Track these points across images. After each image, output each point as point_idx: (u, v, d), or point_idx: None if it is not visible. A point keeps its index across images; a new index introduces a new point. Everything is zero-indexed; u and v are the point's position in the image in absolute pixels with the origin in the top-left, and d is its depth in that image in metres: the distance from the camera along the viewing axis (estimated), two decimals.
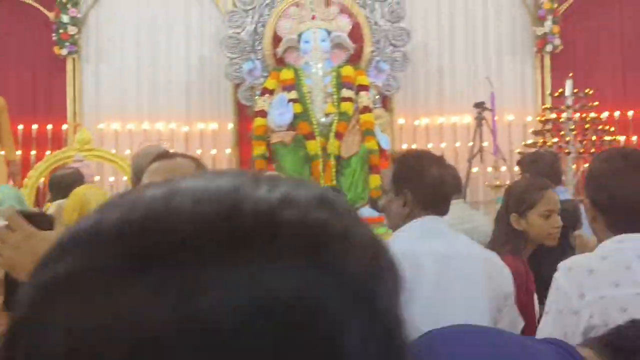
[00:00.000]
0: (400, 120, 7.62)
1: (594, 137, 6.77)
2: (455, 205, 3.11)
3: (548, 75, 7.82)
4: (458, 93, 7.79)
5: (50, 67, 7.49)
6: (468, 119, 7.42)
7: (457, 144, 7.62)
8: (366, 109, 6.68)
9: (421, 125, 7.74)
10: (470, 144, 6.94)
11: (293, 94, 6.63)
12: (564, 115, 6.81)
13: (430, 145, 7.50)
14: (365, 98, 6.72)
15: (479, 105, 6.73)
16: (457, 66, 7.86)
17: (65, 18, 7.31)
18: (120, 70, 7.63)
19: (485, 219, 3.69)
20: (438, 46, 7.89)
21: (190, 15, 7.72)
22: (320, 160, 6.40)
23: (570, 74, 6.85)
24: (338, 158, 6.45)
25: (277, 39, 6.99)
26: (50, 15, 7.32)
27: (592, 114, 6.82)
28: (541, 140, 6.82)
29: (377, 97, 7.02)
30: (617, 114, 7.58)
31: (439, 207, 2.15)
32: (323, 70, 6.69)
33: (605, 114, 7.20)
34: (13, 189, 4.77)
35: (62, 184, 4.11)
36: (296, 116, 6.54)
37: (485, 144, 6.90)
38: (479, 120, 6.73)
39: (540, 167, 3.86)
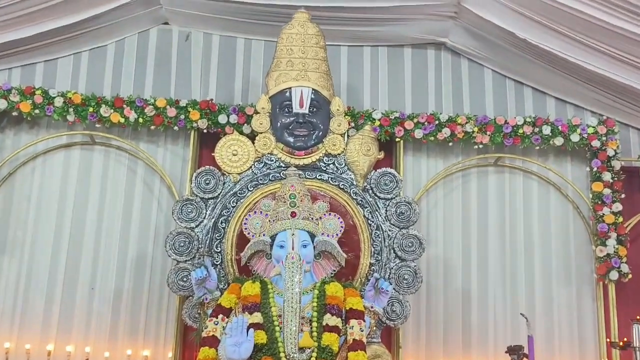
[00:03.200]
0: None
1: None
2: None
3: (614, 313, 7.40)
4: (490, 329, 7.47)
5: None
6: None
7: None
8: (358, 345, 6.21)
9: None
10: None
11: (256, 317, 6.17)
12: None
13: None
14: (357, 329, 6.25)
15: (515, 351, 6.19)
16: (489, 293, 7.57)
17: None
18: (28, 268, 7.28)
19: None
20: (463, 263, 7.64)
21: (132, 198, 7.52)
22: None
23: (638, 317, 6.43)
24: None
25: (242, 241, 6.65)
26: None
27: None
28: None
29: (374, 328, 6.60)
30: None
31: None
32: (300, 287, 6.28)
33: None
34: None
35: None
36: (258, 348, 6.06)
37: None
38: None
39: None
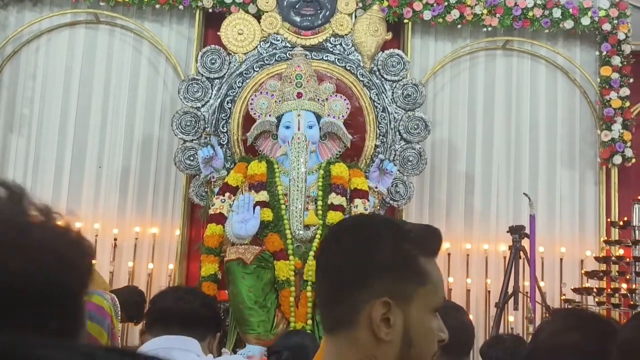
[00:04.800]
0: None
1: None
2: None
3: (615, 196, 7.52)
4: (493, 211, 7.57)
5: None
6: (504, 247, 7.15)
7: (489, 281, 7.38)
8: None
9: (440, 251, 7.40)
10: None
11: (262, 195, 6.32)
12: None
13: (450, 280, 7.26)
14: (361, 208, 6.40)
15: (516, 231, 6.31)
16: (493, 175, 7.65)
17: None
18: (36, 146, 7.35)
19: None
20: (467, 146, 7.69)
21: (138, 78, 7.50)
22: (292, 289, 6.08)
23: (639, 197, 6.57)
24: None
25: (248, 121, 6.71)
26: None
27: None
28: (596, 287, 6.71)
29: (378, 208, 6.71)
30: None
31: None
32: (306, 167, 6.39)
33: None
34: None
35: None
36: (264, 226, 6.23)
37: (526, 283, 6.57)
38: (515, 250, 6.32)
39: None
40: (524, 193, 6.61)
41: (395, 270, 1.44)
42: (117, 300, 2.86)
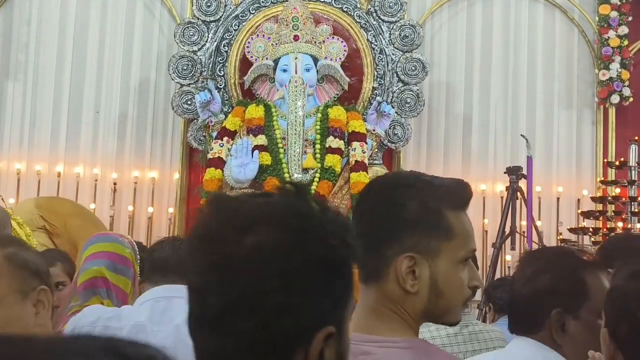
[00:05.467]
0: None
1: None
2: None
3: (612, 136, 7.57)
4: (490, 152, 7.62)
5: None
6: (502, 187, 7.19)
7: (486, 221, 7.43)
8: (359, 166, 6.50)
9: None
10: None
11: (261, 139, 6.40)
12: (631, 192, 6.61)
13: None
14: (359, 151, 6.51)
15: (514, 172, 6.37)
16: (491, 117, 7.68)
17: None
18: (33, 92, 7.37)
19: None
20: (465, 87, 7.70)
21: (133, 22, 7.49)
22: None
23: (636, 138, 6.60)
24: None
25: (245, 64, 6.72)
26: None
27: None
28: (592, 227, 6.74)
29: (376, 150, 6.80)
30: None
31: None
32: (304, 110, 6.43)
33: None
34: None
35: None
36: (263, 169, 6.34)
37: (523, 222, 6.67)
38: (513, 191, 6.38)
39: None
40: (521, 135, 6.64)
41: (421, 227, 1.51)
42: (134, 243, 2.89)
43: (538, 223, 6.81)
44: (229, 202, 1.09)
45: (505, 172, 6.44)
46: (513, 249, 6.53)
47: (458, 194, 1.56)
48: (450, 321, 1.59)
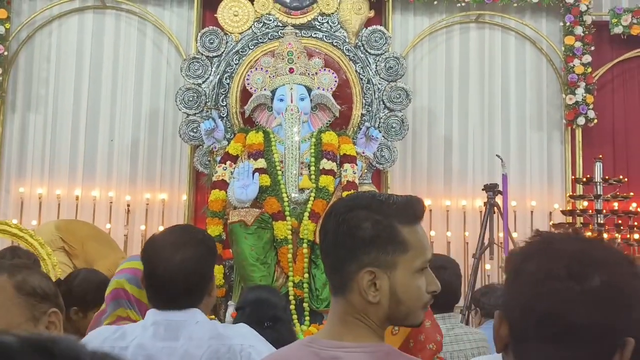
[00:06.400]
0: None
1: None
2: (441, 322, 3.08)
3: (579, 155, 7.70)
4: (469, 171, 7.69)
5: None
6: (480, 203, 7.25)
7: (467, 233, 7.50)
8: (351, 185, 6.43)
9: None
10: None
11: (260, 163, 6.40)
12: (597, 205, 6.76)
13: (432, 234, 7.33)
14: (350, 172, 6.48)
15: (491, 188, 6.48)
16: (469, 139, 7.77)
17: None
18: (53, 123, 7.52)
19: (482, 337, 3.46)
20: (445, 112, 7.82)
21: (143, 58, 7.64)
22: (290, 247, 6.15)
23: (600, 156, 6.73)
24: (312, 245, 6.13)
25: (245, 95, 6.80)
26: None
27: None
28: None
29: (366, 171, 6.85)
30: None
31: None
32: (299, 135, 6.46)
33: None
34: None
35: None
36: (263, 190, 6.31)
37: (500, 234, 6.68)
38: (490, 206, 6.45)
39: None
40: (496, 155, 6.70)
41: (377, 243, 1.56)
42: None
43: (514, 234, 6.81)
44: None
45: (483, 189, 6.50)
46: (492, 258, 6.56)
47: (410, 209, 1.59)
48: (412, 323, 1.64)
